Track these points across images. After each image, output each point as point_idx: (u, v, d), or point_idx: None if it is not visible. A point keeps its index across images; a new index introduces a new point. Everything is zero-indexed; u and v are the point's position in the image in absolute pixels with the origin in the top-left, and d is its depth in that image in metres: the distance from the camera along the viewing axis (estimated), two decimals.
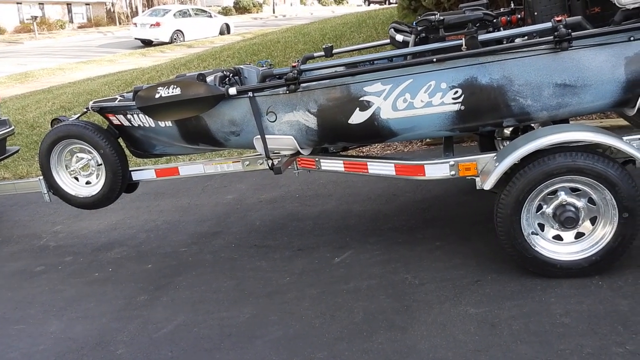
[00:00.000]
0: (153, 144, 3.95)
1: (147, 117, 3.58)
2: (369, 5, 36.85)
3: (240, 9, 34.52)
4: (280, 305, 3.12)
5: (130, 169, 3.98)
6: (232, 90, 3.22)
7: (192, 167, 3.94)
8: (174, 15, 22.14)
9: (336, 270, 3.42)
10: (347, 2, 43.54)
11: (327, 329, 2.83)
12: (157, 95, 3.35)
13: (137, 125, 3.77)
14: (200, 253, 3.97)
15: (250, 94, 3.22)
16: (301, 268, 3.52)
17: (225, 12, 32.76)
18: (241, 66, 3.89)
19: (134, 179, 4.00)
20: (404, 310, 2.89)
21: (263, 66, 4.03)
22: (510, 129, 3.77)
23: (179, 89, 3.29)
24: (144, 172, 4.01)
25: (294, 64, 3.17)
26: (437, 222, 3.89)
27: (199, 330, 2.98)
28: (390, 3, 27.13)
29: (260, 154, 3.47)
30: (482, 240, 3.43)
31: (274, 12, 34.50)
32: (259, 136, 3.30)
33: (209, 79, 3.45)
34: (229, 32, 23.21)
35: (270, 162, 3.39)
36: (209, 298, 3.31)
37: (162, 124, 3.60)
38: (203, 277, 3.59)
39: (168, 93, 3.31)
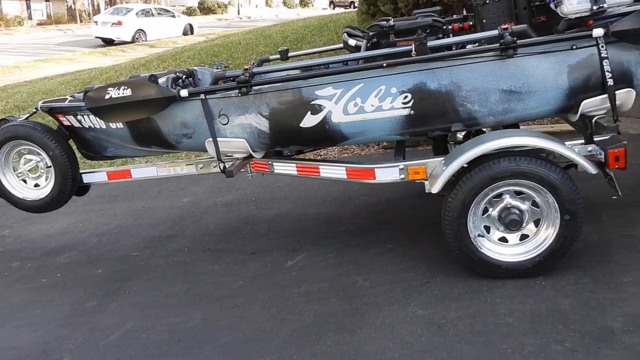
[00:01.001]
0: (104, 146, 3.87)
1: (97, 118, 3.51)
2: (334, 8, 37.08)
3: (205, 10, 34.19)
4: (231, 309, 3.10)
5: (81, 171, 3.89)
6: (184, 92, 3.19)
7: (144, 169, 3.88)
8: (137, 14, 21.79)
9: (288, 274, 3.42)
10: (313, 5, 43.64)
11: (276, 333, 2.82)
12: (107, 96, 3.29)
13: (87, 126, 3.69)
14: (152, 257, 3.91)
15: (202, 96, 3.20)
16: (254, 272, 3.50)
17: (189, 12, 32.38)
18: (195, 68, 3.85)
19: (84, 182, 3.92)
20: (354, 312, 2.91)
21: (218, 68, 4.01)
22: (463, 133, 3.84)
23: (129, 90, 3.24)
24: (95, 174, 3.93)
25: (246, 67, 3.16)
26: (390, 225, 3.93)
27: (147, 337, 2.93)
28: (355, 7, 27.34)
29: (214, 157, 3.44)
30: (432, 242, 3.48)
31: (238, 14, 34.28)
32: (211, 139, 3.28)
33: (161, 80, 3.41)
34: (192, 33, 22.98)
35: (222, 165, 3.37)
36: (160, 303, 3.26)
37: (113, 125, 3.54)
38: (154, 282, 3.53)
39: (118, 94, 3.25)
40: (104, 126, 3.58)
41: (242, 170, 3.57)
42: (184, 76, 3.64)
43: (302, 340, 2.74)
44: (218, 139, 3.28)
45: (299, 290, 3.21)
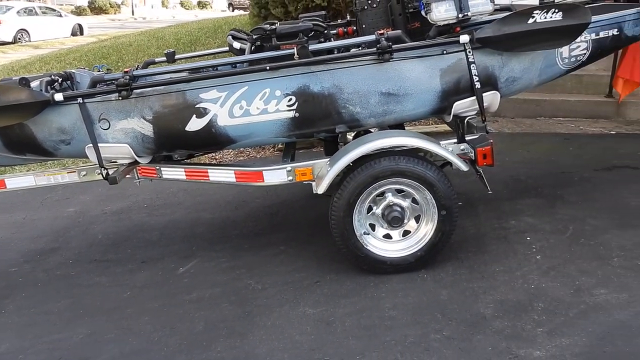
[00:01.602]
0: None
1: None
2: (233, 10, 36.70)
3: (96, 9, 32.52)
4: (118, 321, 2.98)
5: None
6: (59, 96, 3.02)
7: (20, 179, 3.62)
8: (18, 12, 20.25)
9: (180, 281, 3.35)
10: (211, 7, 42.96)
11: (166, 342, 2.75)
12: None
13: None
14: (32, 272, 3.67)
15: (79, 100, 3.05)
16: (143, 281, 3.39)
17: (78, 12, 30.68)
18: (73, 71, 3.66)
19: None
20: (245, 316, 2.91)
21: (100, 71, 3.83)
22: (353, 134, 3.96)
23: None
24: None
25: (126, 70, 3.05)
26: (283, 227, 3.97)
27: (24, 357, 2.75)
28: None
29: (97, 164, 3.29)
30: (323, 242, 3.55)
31: (133, 14, 32.98)
32: (91, 145, 3.13)
33: (34, 84, 3.21)
34: (82, 33, 21.77)
35: (105, 171, 3.23)
36: (40, 320, 3.07)
37: None
38: (34, 298, 3.32)
39: None
40: None
41: (128, 176, 3.44)
42: (61, 79, 3.44)
43: (192, 347, 2.69)
44: (99, 144, 3.14)
45: (190, 297, 3.15)
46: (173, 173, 3.37)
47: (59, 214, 4.70)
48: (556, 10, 2.88)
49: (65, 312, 3.14)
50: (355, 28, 3.76)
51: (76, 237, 4.19)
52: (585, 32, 3.07)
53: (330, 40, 3.21)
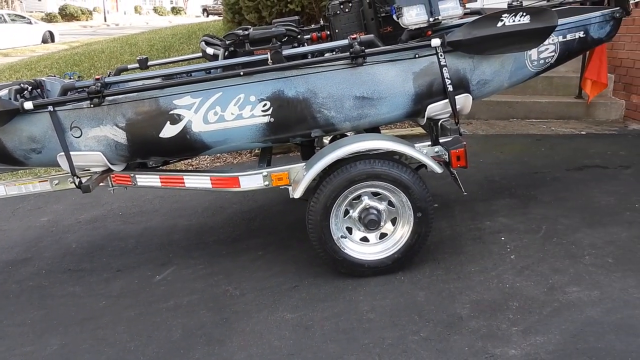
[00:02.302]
0: None
1: None
2: (207, 16, 36.54)
3: (67, 16, 32.11)
4: (93, 331, 2.93)
5: None
6: (28, 105, 2.97)
7: None
8: None
9: (157, 289, 3.31)
10: (185, 13, 42.71)
11: (142, 351, 2.72)
12: None
13: None
14: (4, 283, 3.59)
15: (50, 108, 3.00)
16: (119, 290, 3.35)
17: (49, 18, 30.23)
18: (43, 79, 3.60)
19: None
20: (223, 322, 2.89)
21: (71, 78, 3.78)
22: (330, 137, 3.97)
23: None
24: None
25: (97, 77, 3.02)
26: (261, 232, 3.96)
27: None
28: None
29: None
30: (301, 246, 3.55)
31: (105, 21, 32.63)
32: (62, 153, 3.09)
33: (2, 92, 3.15)
34: (53, 41, 21.47)
35: (77, 180, 3.18)
36: (11, 333, 3.01)
37: None
38: (5, 310, 3.25)
39: None
40: None
41: (102, 184, 3.40)
42: (30, 87, 3.39)
43: (170, 356, 2.67)
44: (71, 152, 3.09)
45: (167, 305, 3.12)
46: (148, 180, 3.34)
47: (31, 224, 4.62)
48: (524, 14, 2.94)
49: (38, 323, 3.08)
50: (329, 33, 3.78)
51: (49, 246, 4.12)
52: (552, 34, 3.14)
53: (303, 45, 3.22)
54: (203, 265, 3.54)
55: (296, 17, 3.71)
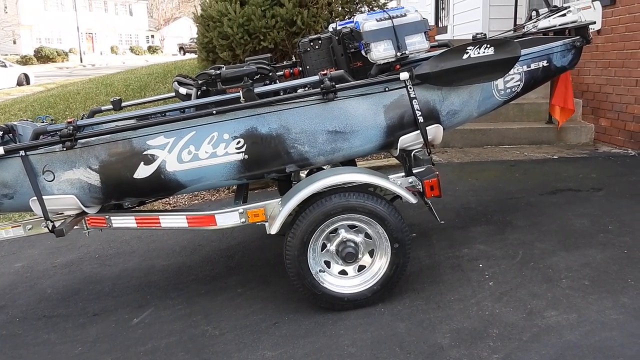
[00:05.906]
0: None
1: None
2: (184, 54, 36.83)
3: (43, 58, 32.12)
4: None
5: None
6: None
7: None
8: None
9: (134, 332, 3.25)
10: (162, 51, 43.00)
11: None
12: None
13: None
14: None
15: (22, 152, 2.98)
16: (95, 335, 3.28)
17: (24, 61, 30.22)
18: (15, 123, 3.59)
19: None
20: None
21: (44, 122, 3.76)
22: (307, 171, 3.98)
23: None
24: None
25: (69, 120, 3.02)
26: (240, 269, 3.93)
27: None
28: None
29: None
30: (280, 282, 3.53)
31: (81, 61, 32.69)
32: (35, 197, 3.06)
33: None
34: (28, 83, 21.43)
35: (51, 224, 3.14)
36: None
37: None
38: None
39: None
40: None
41: (76, 227, 3.36)
42: (2, 132, 3.37)
43: None
44: (44, 196, 3.07)
45: (144, 348, 3.06)
46: (123, 221, 3.31)
47: (5, 270, 4.52)
48: (488, 46, 3.03)
49: None
50: (300, 69, 3.84)
51: (24, 293, 4.03)
52: (517, 64, 3.24)
53: (275, 82, 3.26)
54: (181, 306, 3.49)
55: (268, 55, 3.77)
